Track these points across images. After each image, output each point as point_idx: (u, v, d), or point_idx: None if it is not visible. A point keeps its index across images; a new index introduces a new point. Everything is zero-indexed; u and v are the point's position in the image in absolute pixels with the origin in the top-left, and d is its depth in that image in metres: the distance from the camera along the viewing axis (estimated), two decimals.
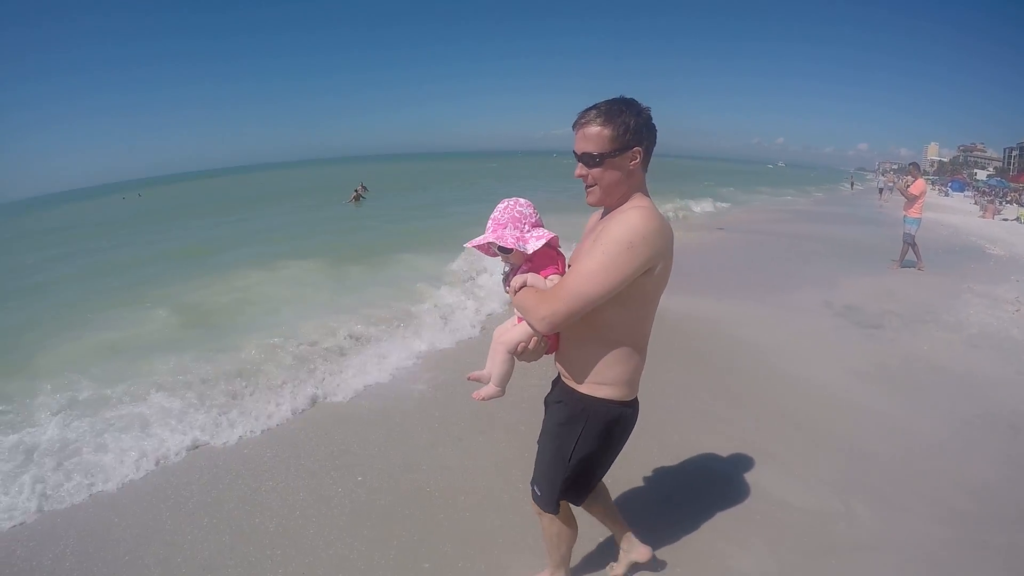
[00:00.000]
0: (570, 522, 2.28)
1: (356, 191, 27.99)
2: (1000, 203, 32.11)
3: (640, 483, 3.39)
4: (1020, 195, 38.54)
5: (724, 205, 23.23)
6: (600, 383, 1.96)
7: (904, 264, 10.65)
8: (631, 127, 1.78)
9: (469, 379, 2.07)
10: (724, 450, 3.76)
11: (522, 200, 1.94)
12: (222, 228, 19.10)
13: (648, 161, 1.88)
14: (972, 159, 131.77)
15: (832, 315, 6.99)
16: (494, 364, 2.01)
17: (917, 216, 10.47)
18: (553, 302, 1.77)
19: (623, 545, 2.59)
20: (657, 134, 1.86)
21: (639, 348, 1.97)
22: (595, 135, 1.79)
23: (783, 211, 23.02)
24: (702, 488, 3.38)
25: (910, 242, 10.56)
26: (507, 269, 1.99)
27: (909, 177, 11.14)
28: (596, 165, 1.81)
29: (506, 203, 1.93)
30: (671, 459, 3.66)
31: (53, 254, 15.86)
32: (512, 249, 1.87)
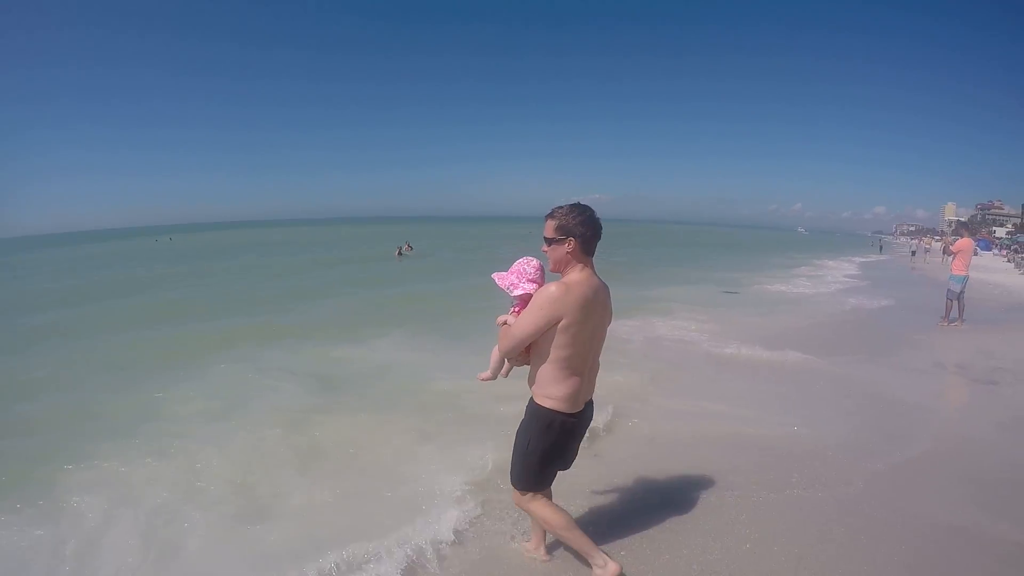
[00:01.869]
0: (550, 507, 3.00)
1: (400, 248, 31.70)
2: None
3: None
4: None
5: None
6: (547, 396, 2.77)
7: (951, 320, 11.41)
8: (567, 225, 2.69)
9: (480, 379, 3.05)
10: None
11: (534, 261, 2.89)
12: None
13: (589, 245, 2.73)
14: (990, 217, 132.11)
15: (949, 374, 7.83)
16: (491, 360, 3.00)
17: (960, 273, 11.33)
18: (502, 339, 2.80)
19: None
20: (599, 230, 2.74)
21: (576, 373, 2.74)
22: (547, 227, 2.74)
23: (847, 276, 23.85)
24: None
25: (952, 298, 11.33)
26: (513, 304, 2.89)
27: (955, 236, 12.19)
28: (546, 245, 2.76)
29: (521, 260, 2.90)
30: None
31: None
32: (503, 288, 2.87)
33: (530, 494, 2.97)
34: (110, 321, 12.47)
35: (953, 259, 11.75)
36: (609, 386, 5.50)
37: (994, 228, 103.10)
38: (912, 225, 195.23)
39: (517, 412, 3.03)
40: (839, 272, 26.06)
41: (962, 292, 11.38)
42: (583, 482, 4.15)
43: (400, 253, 30.99)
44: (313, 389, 6.91)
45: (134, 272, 25.41)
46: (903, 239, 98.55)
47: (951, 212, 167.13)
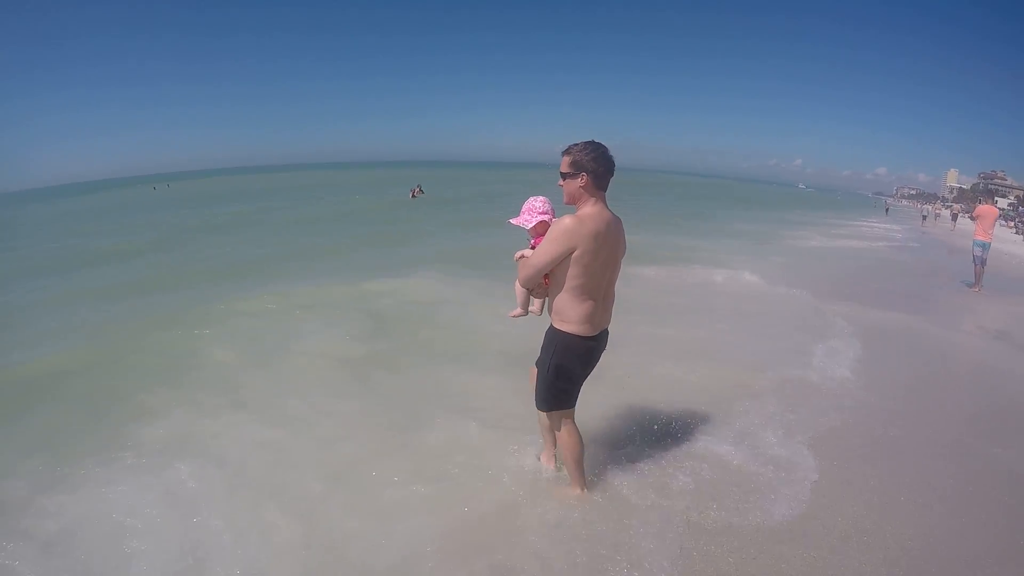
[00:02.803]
0: (574, 434, 3.22)
1: (413, 190, 32.40)
2: None
3: None
4: None
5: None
6: (564, 320, 3.00)
7: (966, 283, 11.95)
8: (581, 161, 2.88)
9: (512, 316, 3.32)
10: None
11: (540, 198, 3.15)
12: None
13: (601, 181, 2.92)
14: (993, 187, 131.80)
15: (992, 339, 8.13)
16: (517, 297, 3.25)
17: (982, 239, 11.75)
18: (522, 270, 3.04)
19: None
20: (612, 166, 2.90)
21: (590, 296, 2.95)
22: (562, 162, 2.94)
23: (863, 237, 24.16)
24: None
25: (979, 264, 11.72)
26: (529, 239, 3.14)
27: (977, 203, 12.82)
28: (562, 180, 2.95)
29: (529, 199, 3.16)
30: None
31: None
32: (520, 226, 3.14)
33: (555, 413, 3.23)
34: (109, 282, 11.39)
35: (979, 225, 12.17)
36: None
37: (996, 199, 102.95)
38: (913, 189, 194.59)
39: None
40: (853, 232, 26.37)
41: (983, 258, 11.69)
42: None
43: (414, 195, 31.71)
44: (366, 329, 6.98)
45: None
46: (904, 203, 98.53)
47: (953, 179, 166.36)
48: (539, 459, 3.65)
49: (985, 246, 11.73)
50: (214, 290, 9.53)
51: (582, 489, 3.35)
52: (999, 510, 3.60)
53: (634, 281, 8.75)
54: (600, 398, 4.29)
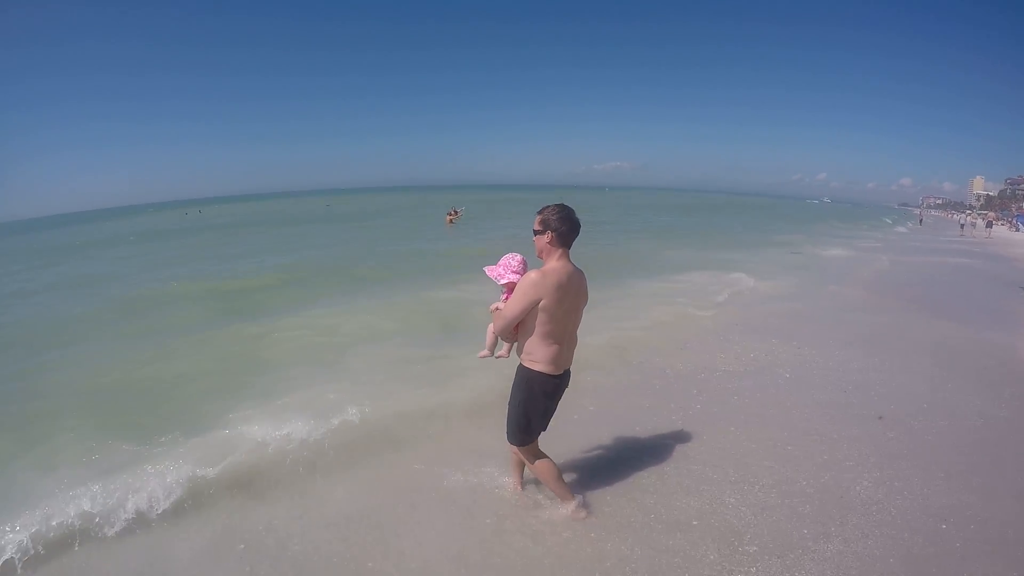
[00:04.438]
0: (544, 459, 3.60)
1: (450, 214, 32.69)
2: None
3: None
4: None
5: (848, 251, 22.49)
6: (533, 361, 3.34)
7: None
8: (548, 221, 3.28)
9: (480, 357, 3.69)
10: None
11: (518, 256, 3.47)
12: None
13: (566, 239, 3.29)
14: (1020, 192, 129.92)
15: None
16: (487, 341, 3.61)
17: None
18: (496, 321, 3.38)
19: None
20: (576, 227, 3.30)
21: (556, 340, 3.30)
22: (535, 220, 3.32)
23: (902, 247, 24.52)
24: None
25: None
26: (502, 293, 3.47)
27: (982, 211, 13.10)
28: (534, 235, 3.32)
29: (507, 255, 3.47)
30: None
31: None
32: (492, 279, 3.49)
33: (527, 449, 3.58)
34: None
35: None
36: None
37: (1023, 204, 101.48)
38: (939, 199, 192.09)
39: None
40: (900, 237, 26.52)
41: None
42: None
43: (451, 220, 31.85)
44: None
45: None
46: (934, 213, 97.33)
47: (979, 186, 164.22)
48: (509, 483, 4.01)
49: None
50: None
51: (572, 498, 3.70)
52: None
53: None
54: None
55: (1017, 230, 46.11)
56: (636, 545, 3.38)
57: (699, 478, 4.08)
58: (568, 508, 3.65)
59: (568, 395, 3.59)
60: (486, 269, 3.56)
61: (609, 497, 3.87)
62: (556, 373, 3.39)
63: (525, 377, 3.41)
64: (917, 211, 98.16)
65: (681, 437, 4.73)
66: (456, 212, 33.50)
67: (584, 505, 3.70)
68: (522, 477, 3.94)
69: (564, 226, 3.30)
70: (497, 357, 3.72)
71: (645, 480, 4.08)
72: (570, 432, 4.61)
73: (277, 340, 7.98)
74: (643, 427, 4.92)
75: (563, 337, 3.36)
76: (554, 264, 3.31)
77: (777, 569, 3.16)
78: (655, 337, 7.75)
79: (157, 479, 3.86)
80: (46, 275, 18.57)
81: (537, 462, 3.61)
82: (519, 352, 3.47)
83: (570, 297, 3.31)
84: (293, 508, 3.84)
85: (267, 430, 4.52)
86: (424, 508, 3.80)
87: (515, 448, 3.62)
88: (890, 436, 4.79)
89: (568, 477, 3.97)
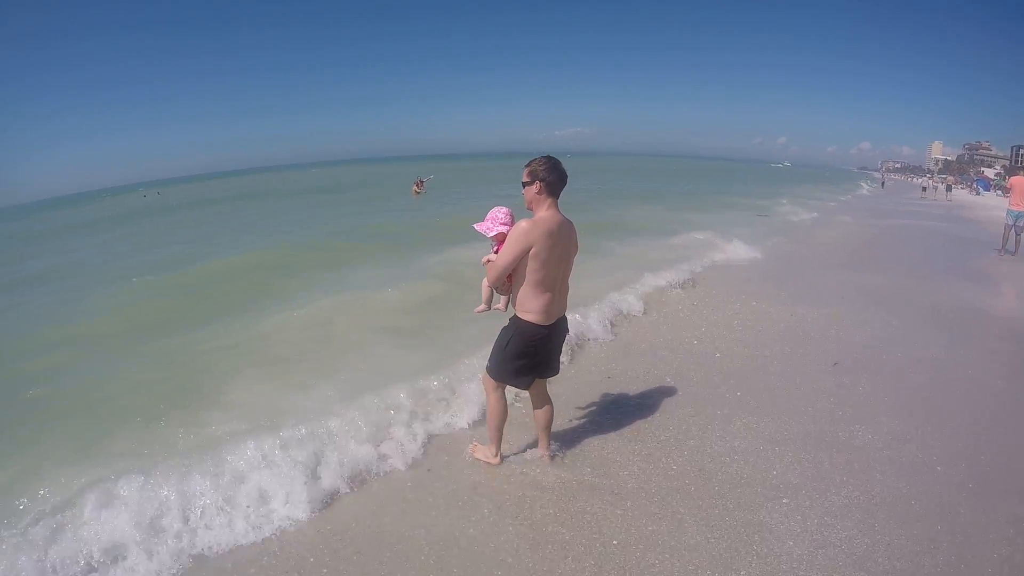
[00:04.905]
0: (502, 402, 3.68)
1: (416, 184, 31.51)
2: None
3: None
4: None
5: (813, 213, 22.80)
6: (525, 311, 3.42)
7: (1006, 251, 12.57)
8: (536, 171, 3.33)
9: (477, 312, 3.73)
10: None
11: (504, 207, 3.54)
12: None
13: (554, 188, 3.34)
14: (978, 157, 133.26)
15: None
16: (482, 295, 3.64)
17: (1016, 208, 12.49)
18: (489, 272, 3.44)
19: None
20: (563, 177, 3.36)
21: (548, 289, 3.36)
22: (524, 172, 3.38)
23: (867, 208, 25.19)
24: None
25: (1016, 232, 12.48)
26: (492, 246, 3.52)
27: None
28: (523, 187, 3.39)
29: (493, 208, 3.54)
30: None
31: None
32: (481, 232, 3.55)
33: (496, 383, 3.65)
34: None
35: (1012, 196, 12.85)
36: None
37: (981, 169, 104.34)
38: (898, 163, 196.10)
39: None
40: (864, 199, 27.06)
41: (1017, 226, 12.49)
42: None
43: (417, 192, 30.92)
44: None
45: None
46: (894, 176, 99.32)
47: (938, 151, 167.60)
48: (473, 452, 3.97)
49: (1018, 215, 12.45)
50: None
51: (497, 455, 3.79)
52: None
53: None
54: None
55: (978, 194, 47.77)
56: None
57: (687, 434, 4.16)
58: (490, 458, 3.79)
59: None
60: (475, 226, 3.61)
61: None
62: (547, 323, 3.46)
63: (515, 323, 3.50)
64: (878, 174, 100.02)
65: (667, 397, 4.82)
66: (422, 182, 32.37)
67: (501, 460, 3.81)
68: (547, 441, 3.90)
69: (552, 175, 3.35)
70: (494, 309, 3.75)
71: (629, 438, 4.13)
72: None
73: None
74: (611, 392, 4.96)
75: (554, 285, 3.42)
76: (543, 213, 3.36)
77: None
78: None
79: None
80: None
81: (493, 401, 3.68)
82: (512, 303, 3.53)
83: (561, 245, 3.37)
84: None
85: None
86: None
87: (486, 378, 3.68)
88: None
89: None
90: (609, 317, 6.66)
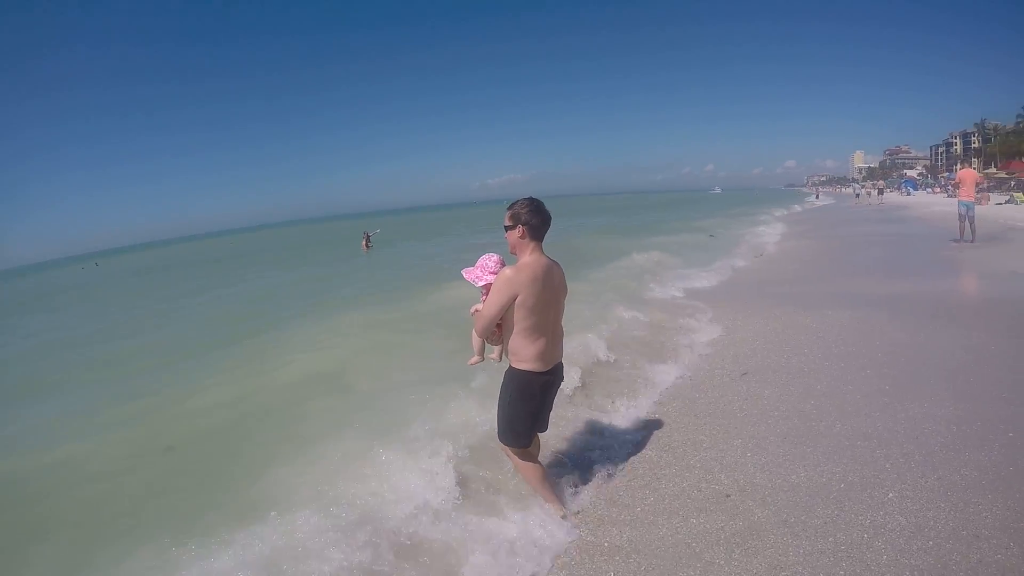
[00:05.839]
0: (529, 459, 3.42)
1: (365, 238, 31.36)
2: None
3: None
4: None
5: (765, 227, 23.95)
6: (520, 360, 3.22)
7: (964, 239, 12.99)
8: (519, 214, 3.16)
9: (471, 364, 3.49)
10: None
11: (495, 256, 3.36)
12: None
13: (537, 232, 3.18)
14: (899, 161, 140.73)
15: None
16: (474, 347, 3.41)
17: (966, 199, 13.03)
18: (477, 322, 3.25)
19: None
20: (547, 219, 3.20)
21: (541, 334, 3.19)
22: (506, 216, 3.21)
23: (814, 220, 25.73)
24: None
25: (962, 220, 12.98)
26: (481, 294, 3.32)
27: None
28: (505, 231, 3.23)
29: (484, 256, 3.37)
30: None
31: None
32: (470, 281, 3.35)
33: (514, 449, 3.38)
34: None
35: (961, 188, 13.46)
36: None
37: (904, 171, 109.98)
38: (823, 175, 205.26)
39: None
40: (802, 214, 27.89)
41: (969, 216, 12.95)
42: None
43: (367, 245, 30.94)
44: None
45: None
46: (823, 189, 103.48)
47: (860, 160, 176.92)
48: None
49: (969, 205, 13.04)
50: None
51: (562, 507, 3.43)
52: None
53: None
54: None
55: (908, 194, 51.30)
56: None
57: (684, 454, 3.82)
58: (556, 513, 3.38)
59: None
60: (464, 272, 3.42)
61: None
62: (544, 369, 3.27)
63: (512, 376, 3.29)
64: (812, 189, 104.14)
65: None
66: (369, 236, 32.16)
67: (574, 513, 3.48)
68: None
69: (535, 218, 3.20)
70: (488, 359, 3.53)
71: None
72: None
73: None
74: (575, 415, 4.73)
75: (546, 331, 3.24)
76: (527, 259, 3.20)
77: None
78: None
79: None
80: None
81: (524, 464, 3.43)
82: (506, 353, 3.34)
83: (548, 289, 3.20)
84: None
85: None
86: None
87: (504, 447, 3.45)
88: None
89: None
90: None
